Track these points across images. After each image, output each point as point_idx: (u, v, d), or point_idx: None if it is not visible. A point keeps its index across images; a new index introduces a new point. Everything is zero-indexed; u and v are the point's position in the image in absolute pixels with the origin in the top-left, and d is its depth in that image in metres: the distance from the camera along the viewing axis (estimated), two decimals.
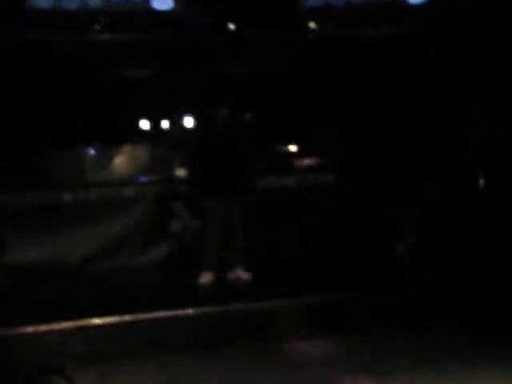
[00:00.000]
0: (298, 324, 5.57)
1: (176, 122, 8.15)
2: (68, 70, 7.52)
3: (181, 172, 6.96)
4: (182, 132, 7.98)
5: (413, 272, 6.57)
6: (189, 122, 7.84)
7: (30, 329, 5.25)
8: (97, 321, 5.39)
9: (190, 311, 5.58)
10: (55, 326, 5.30)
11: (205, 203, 6.50)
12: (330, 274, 6.47)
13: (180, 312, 5.57)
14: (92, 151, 8.20)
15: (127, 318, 5.45)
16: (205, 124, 6.75)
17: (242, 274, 6.44)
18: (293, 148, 8.85)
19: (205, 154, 6.44)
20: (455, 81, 7.43)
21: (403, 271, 6.67)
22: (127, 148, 8.21)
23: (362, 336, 5.38)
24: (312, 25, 7.45)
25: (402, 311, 5.70)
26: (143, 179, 8.02)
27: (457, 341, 5.30)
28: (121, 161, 8.19)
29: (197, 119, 6.84)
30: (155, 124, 8.36)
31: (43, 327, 5.29)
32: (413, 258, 6.91)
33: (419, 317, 5.63)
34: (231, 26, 7.31)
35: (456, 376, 4.66)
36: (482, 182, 7.38)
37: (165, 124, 8.38)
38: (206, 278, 6.40)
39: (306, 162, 8.52)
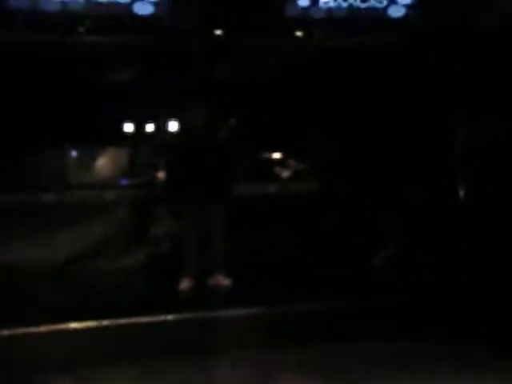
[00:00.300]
0: (271, 331, 5.57)
1: (160, 126, 8.12)
2: (52, 71, 7.47)
3: (161, 176, 6.94)
4: (165, 136, 7.94)
5: (398, 277, 6.59)
6: (173, 126, 7.80)
7: (4, 332, 5.20)
8: (75, 325, 5.35)
9: (170, 317, 5.55)
10: (32, 330, 5.25)
11: (181, 208, 6.47)
12: (310, 281, 6.45)
13: (160, 317, 5.54)
14: (75, 152, 8.14)
15: (106, 322, 5.41)
16: (182, 127, 6.72)
17: (223, 280, 6.41)
18: (277, 154, 8.85)
19: (180, 158, 6.39)
20: (439, 87, 7.51)
21: (385, 278, 6.67)
22: (110, 150, 8.18)
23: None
24: (299, 33, 7.48)
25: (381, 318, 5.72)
26: (125, 182, 7.99)
27: (438, 349, 5.33)
28: (103, 163, 8.15)
29: (179, 123, 6.80)
30: (139, 127, 8.33)
31: (20, 330, 5.24)
32: (397, 263, 6.94)
33: (407, 322, 5.66)
34: (217, 32, 7.30)
35: None
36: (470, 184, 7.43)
37: (149, 127, 8.34)
38: (185, 284, 6.38)
39: (290, 168, 8.53)
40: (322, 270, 6.85)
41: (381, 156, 7.30)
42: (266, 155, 8.57)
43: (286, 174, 8.36)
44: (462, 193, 7.52)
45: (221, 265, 6.42)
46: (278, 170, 8.37)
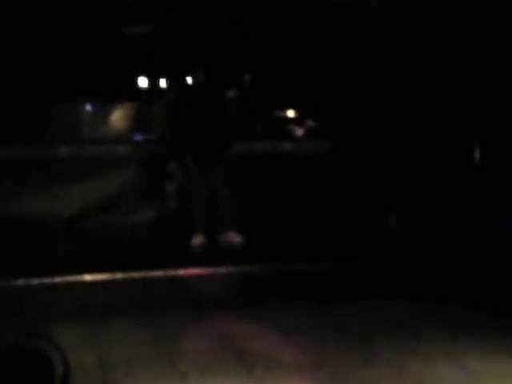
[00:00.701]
0: (286, 289, 5.61)
1: (174, 82, 8.06)
2: (68, 24, 7.40)
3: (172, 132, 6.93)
4: (179, 92, 7.88)
5: (403, 243, 6.59)
6: (186, 82, 7.75)
7: (20, 282, 5.26)
8: (87, 277, 5.40)
9: (181, 272, 5.60)
10: (46, 281, 5.31)
11: (190, 165, 6.49)
12: (318, 241, 6.46)
13: (171, 272, 5.59)
14: (89, 107, 8.11)
15: (118, 275, 5.46)
16: (188, 85, 6.68)
17: (234, 238, 6.47)
18: (290, 113, 8.78)
19: (186, 116, 6.42)
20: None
21: (392, 242, 6.66)
22: (124, 106, 8.14)
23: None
24: None
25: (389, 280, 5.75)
26: (139, 138, 7.97)
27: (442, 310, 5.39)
28: (117, 118, 8.13)
29: (190, 80, 6.76)
30: (153, 83, 8.27)
31: (34, 281, 5.30)
32: (404, 229, 6.92)
33: (408, 286, 5.69)
34: None
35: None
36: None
37: (163, 83, 8.28)
38: (196, 240, 6.42)
39: (304, 128, 8.47)
40: (330, 229, 6.87)
41: (393, 120, 7.23)
42: (278, 114, 8.51)
43: (298, 133, 8.30)
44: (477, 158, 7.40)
45: (231, 222, 6.45)
46: (290, 128, 8.30)
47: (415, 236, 6.56)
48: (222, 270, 5.77)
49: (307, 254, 6.09)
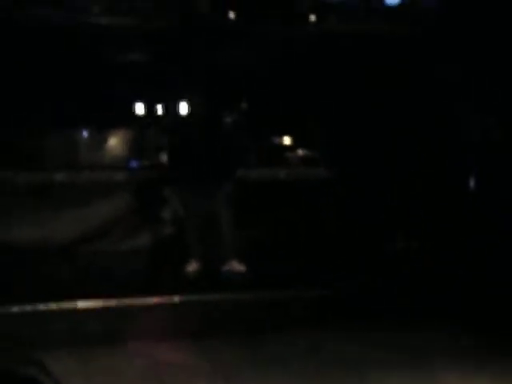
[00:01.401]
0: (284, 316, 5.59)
1: (170, 108, 8.11)
2: (65, 49, 7.45)
3: (169, 158, 6.93)
4: (176, 118, 7.93)
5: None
6: (183, 108, 7.78)
7: (13, 308, 5.23)
8: (81, 304, 5.37)
9: (176, 299, 5.56)
10: (41, 307, 5.28)
11: (186, 191, 6.42)
12: (320, 268, 6.44)
13: (166, 299, 5.55)
14: (86, 133, 8.15)
15: (112, 302, 5.43)
16: (189, 110, 6.70)
17: (237, 266, 6.35)
18: (286, 140, 8.81)
19: (186, 140, 6.35)
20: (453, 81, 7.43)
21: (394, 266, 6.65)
22: (120, 132, 8.18)
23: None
24: (312, 17, 7.41)
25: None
26: (134, 164, 7.99)
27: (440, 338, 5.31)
28: (113, 144, 8.17)
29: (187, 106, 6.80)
30: (150, 109, 8.31)
31: (27, 307, 5.26)
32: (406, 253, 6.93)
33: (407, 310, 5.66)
34: (231, 15, 7.25)
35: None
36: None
37: (160, 109, 8.33)
38: (192, 267, 6.36)
39: (299, 154, 8.49)
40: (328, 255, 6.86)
41: (390, 145, 7.27)
42: (274, 140, 8.55)
43: (294, 159, 8.32)
44: (472, 182, 7.44)
45: (232, 251, 6.36)
46: (286, 155, 8.33)
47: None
48: (217, 296, 5.74)
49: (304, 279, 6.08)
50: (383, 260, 6.75)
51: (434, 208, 7.18)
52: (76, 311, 5.32)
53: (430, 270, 6.32)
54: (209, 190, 6.32)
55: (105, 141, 8.20)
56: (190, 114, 6.68)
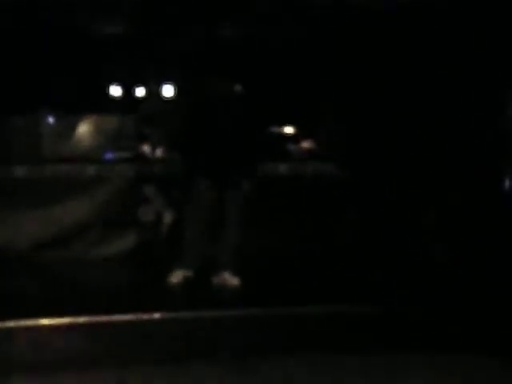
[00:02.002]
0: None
1: (152, 90, 8.06)
2: (27, 23, 7.39)
3: (158, 151, 6.86)
4: (159, 102, 7.88)
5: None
6: (168, 90, 7.71)
7: None
8: (45, 321, 5.32)
9: (156, 315, 5.52)
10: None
11: (193, 185, 6.15)
12: (329, 282, 6.38)
13: (144, 316, 5.51)
14: (51, 119, 8.09)
15: (82, 319, 5.38)
16: (192, 93, 6.59)
17: (230, 279, 6.12)
18: (288, 130, 8.81)
19: (196, 129, 6.13)
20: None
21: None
22: (93, 118, 8.13)
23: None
24: None
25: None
26: (110, 156, 7.95)
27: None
28: (85, 133, 8.11)
29: (179, 87, 6.70)
30: (128, 91, 8.27)
31: None
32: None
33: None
34: None
35: None
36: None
37: (139, 92, 8.28)
38: (179, 277, 6.17)
39: (304, 146, 8.48)
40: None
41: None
42: (280, 132, 8.55)
43: (296, 152, 8.31)
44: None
45: (230, 259, 6.17)
46: (292, 148, 8.32)
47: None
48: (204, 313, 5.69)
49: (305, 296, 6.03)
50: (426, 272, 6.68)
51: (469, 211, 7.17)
52: (40, 329, 5.27)
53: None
54: (215, 185, 6.09)
55: (74, 128, 8.16)
56: (193, 99, 6.52)
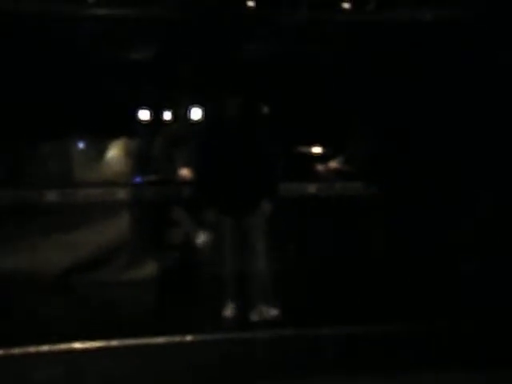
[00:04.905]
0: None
1: (181, 114, 8.13)
2: (56, 48, 7.47)
3: (185, 172, 6.91)
4: (187, 125, 7.94)
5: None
6: (196, 113, 7.80)
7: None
8: (78, 345, 5.40)
9: (189, 338, 5.56)
10: (31, 350, 5.30)
11: (214, 217, 6.04)
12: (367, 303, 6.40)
13: (177, 338, 5.55)
14: (81, 144, 8.20)
15: (114, 343, 5.44)
16: (213, 116, 6.61)
17: (269, 313, 5.91)
18: (316, 149, 8.80)
19: (214, 153, 5.97)
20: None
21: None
22: (122, 142, 8.21)
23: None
24: (346, 5, 7.43)
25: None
26: (139, 180, 8.01)
27: None
28: (114, 157, 8.19)
29: (205, 110, 6.77)
30: (156, 115, 8.34)
31: (16, 350, 5.29)
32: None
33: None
34: (249, 3, 7.31)
35: None
36: None
37: (167, 115, 8.35)
38: (229, 312, 5.99)
39: (332, 166, 8.46)
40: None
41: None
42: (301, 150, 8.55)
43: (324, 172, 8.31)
44: None
45: (266, 292, 5.93)
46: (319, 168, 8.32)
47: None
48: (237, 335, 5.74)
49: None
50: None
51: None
52: (73, 353, 5.35)
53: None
54: (242, 210, 5.92)
55: (103, 152, 8.25)
56: (213, 121, 6.50)
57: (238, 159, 5.93)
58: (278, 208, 6.04)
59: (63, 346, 5.37)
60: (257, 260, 5.92)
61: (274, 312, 5.92)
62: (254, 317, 5.93)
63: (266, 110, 7.42)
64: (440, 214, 7.30)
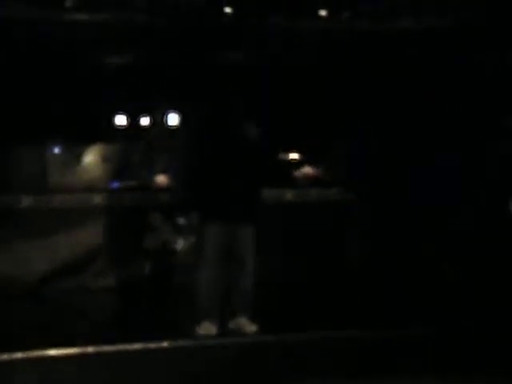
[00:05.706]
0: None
1: (158, 119, 8.13)
2: (31, 53, 7.46)
3: (161, 178, 6.90)
4: (164, 131, 7.96)
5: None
6: (173, 119, 7.81)
7: None
8: (53, 352, 5.38)
9: (165, 344, 5.56)
10: (4, 357, 5.27)
11: (202, 227, 5.75)
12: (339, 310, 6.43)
13: (152, 345, 5.55)
14: (56, 149, 8.18)
15: (89, 349, 5.43)
16: (198, 123, 6.59)
17: (247, 325, 5.70)
18: (293, 156, 8.81)
19: (200, 160, 5.82)
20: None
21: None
22: (98, 147, 8.20)
23: None
24: (323, 12, 7.45)
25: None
26: (115, 185, 8.01)
27: None
28: (90, 162, 8.18)
29: (184, 116, 6.77)
30: (133, 120, 8.34)
31: None
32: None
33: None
34: (228, 10, 7.32)
35: None
36: None
37: (145, 121, 8.35)
38: (207, 330, 5.69)
39: (309, 172, 8.49)
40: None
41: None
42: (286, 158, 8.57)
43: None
44: None
45: (247, 303, 5.74)
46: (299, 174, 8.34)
47: None
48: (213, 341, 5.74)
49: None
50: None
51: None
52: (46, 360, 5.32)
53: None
54: (227, 217, 5.66)
55: (80, 157, 8.23)
56: (188, 127, 6.51)
57: (226, 168, 5.78)
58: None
59: (37, 353, 5.34)
60: (243, 271, 5.74)
61: (252, 327, 5.73)
62: (232, 326, 5.78)
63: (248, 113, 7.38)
64: (417, 221, 7.34)
